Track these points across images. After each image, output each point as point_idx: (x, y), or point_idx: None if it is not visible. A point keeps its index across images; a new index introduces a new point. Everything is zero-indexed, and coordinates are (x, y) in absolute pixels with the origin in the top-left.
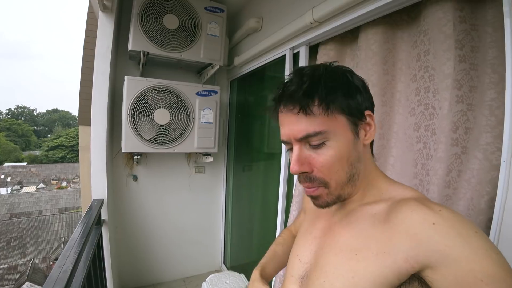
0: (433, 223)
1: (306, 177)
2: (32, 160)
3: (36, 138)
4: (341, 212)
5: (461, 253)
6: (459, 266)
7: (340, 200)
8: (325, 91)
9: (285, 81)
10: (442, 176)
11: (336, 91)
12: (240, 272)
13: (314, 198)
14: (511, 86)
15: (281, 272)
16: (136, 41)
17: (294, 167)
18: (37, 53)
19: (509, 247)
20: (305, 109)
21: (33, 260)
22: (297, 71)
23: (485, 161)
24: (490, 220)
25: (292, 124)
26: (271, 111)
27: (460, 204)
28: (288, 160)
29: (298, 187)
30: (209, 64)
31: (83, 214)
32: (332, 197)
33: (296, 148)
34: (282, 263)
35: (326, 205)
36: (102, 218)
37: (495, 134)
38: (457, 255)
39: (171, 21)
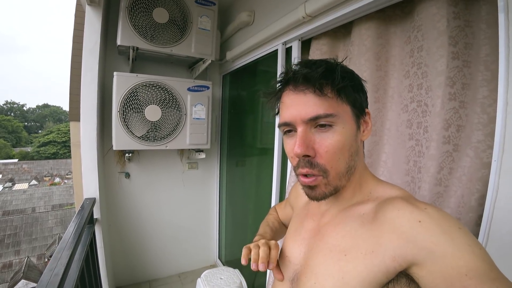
0: (419, 221)
1: (307, 162)
2: (24, 157)
3: (27, 134)
4: (330, 213)
5: (446, 249)
6: (444, 262)
7: (336, 192)
8: (340, 77)
9: (291, 67)
10: (433, 173)
11: (347, 81)
12: (234, 267)
13: (310, 189)
14: (503, 84)
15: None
16: (125, 36)
17: (298, 149)
18: (23, 45)
19: (499, 244)
20: (320, 90)
21: (28, 257)
22: (306, 60)
23: (476, 159)
24: (480, 217)
25: (301, 105)
26: (273, 94)
27: (451, 202)
28: (281, 154)
29: (291, 183)
30: (201, 59)
31: (76, 212)
32: (330, 188)
33: (301, 129)
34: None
35: (323, 196)
36: (95, 217)
37: (487, 132)
38: (443, 252)
39: (161, 15)
